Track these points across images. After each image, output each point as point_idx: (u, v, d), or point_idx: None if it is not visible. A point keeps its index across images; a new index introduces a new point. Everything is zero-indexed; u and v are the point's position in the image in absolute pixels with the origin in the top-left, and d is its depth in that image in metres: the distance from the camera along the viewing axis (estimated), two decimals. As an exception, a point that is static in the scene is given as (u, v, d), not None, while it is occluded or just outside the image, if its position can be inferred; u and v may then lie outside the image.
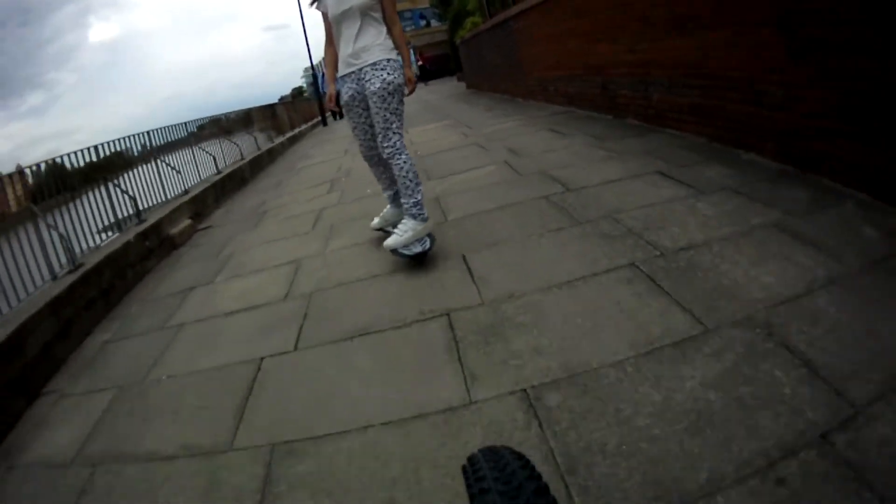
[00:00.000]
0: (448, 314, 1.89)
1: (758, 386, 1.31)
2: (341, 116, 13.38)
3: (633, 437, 1.21)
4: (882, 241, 1.84)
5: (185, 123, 5.88)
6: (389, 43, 2.38)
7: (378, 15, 2.37)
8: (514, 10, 7.35)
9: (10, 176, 3.53)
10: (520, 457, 0.50)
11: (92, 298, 3.10)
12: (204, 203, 5.06)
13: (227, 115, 7.54)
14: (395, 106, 2.33)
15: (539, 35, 6.57)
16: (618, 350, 1.49)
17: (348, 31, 2.34)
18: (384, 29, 2.38)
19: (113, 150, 4.38)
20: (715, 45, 3.25)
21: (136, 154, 4.83)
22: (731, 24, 3.06)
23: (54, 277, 3.14)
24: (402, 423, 1.41)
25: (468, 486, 0.49)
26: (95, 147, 4.16)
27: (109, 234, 3.87)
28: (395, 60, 2.36)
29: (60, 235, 3.31)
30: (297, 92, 47.39)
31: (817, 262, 1.77)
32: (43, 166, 3.65)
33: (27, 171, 3.60)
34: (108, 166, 4.23)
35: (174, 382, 2.02)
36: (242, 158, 6.91)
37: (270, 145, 8.53)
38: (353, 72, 2.38)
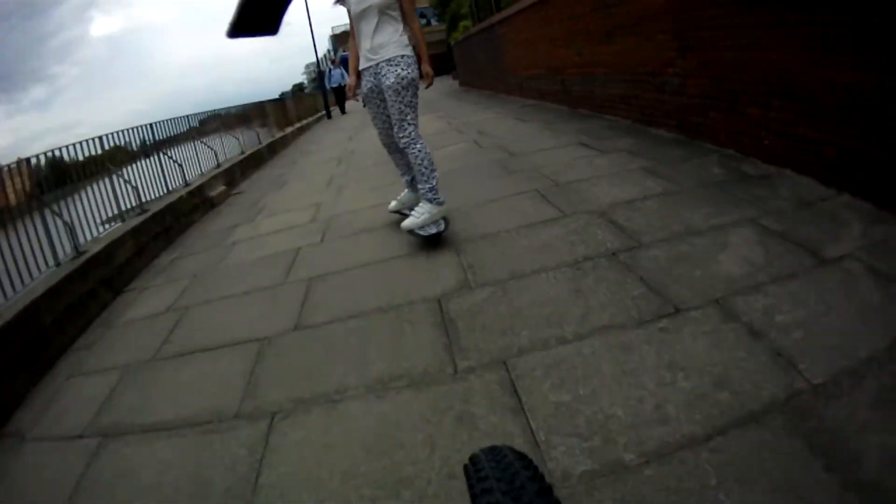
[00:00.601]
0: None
1: (583, 236, 2.32)
2: (344, 112, 14.50)
3: (508, 256, 2.26)
4: (722, 174, 2.75)
5: (215, 110, 6.96)
6: (405, 39, 2.49)
7: (395, 13, 2.49)
8: (497, 17, 8.42)
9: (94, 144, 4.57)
10: (522, 457, 0.50)
11: (158, 232, 4.15)
12: (233, 175, 6.12)
13: (245, 107, 8.60)
14: (409, 99, 2.47)
15: (517, 40, 7.64)
16: (511, 225, 2.55)
17: (367, 28, 2.48)
18: (401, 26, 2.49)
19: (165, 129, 5.44)
20: (632, 48, 4.29)
21: (177, 133, 5.88)
22: (642, 32, 4.10)
23: (123, 219, 4.18)
24: (385, 260, 2.50)
25: (470, 486, 0.49)
26: (151, 125, 5.22)
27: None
28: (409, 56, 2.48)
29: (132, 185, 4.37)
30: (298, 88, 47.32)
31: (660, 186, 2.76)
32: (116, 136, 4.68)
33: (104, 138, 4.64)
34: (161, 141, 5.29)
35: (237, 267, 3.07)
36: (260, 143, 7.98)
37: (283, 133, 9.63)
38: (370, 66, 2.53)
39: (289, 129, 10.33)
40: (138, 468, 1.53)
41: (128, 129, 4.86)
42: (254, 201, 4.90)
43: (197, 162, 5.82)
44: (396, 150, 2.77)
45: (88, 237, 3.66)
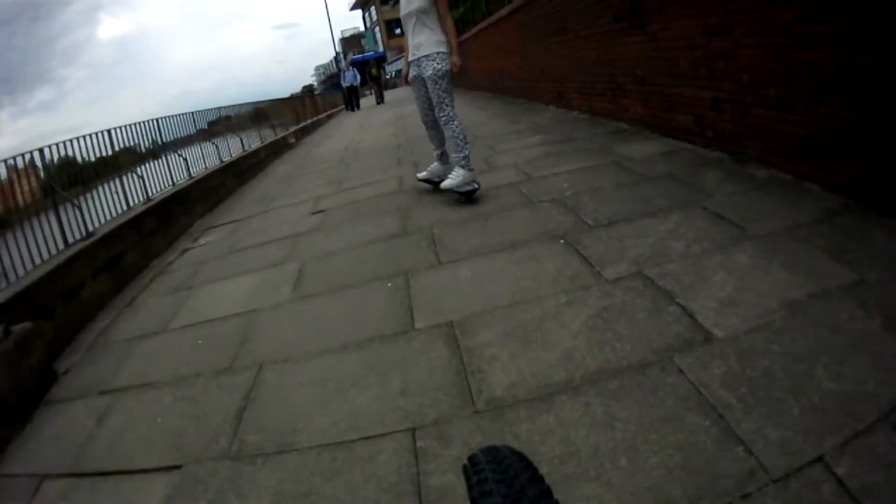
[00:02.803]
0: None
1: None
2: (358, 108, 18.08)
3: (414, 128, 6.42)
4: (520, 111, 6.84)
5: (281, 98, 11.19)
6: (440, 38, 3.01)
7: (431, 16, 3.02)
8: (463, 36, 12.61)
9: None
10: (522, 458, 0.50)
11: (271, 151, 8.32)
12: (297, 135, 10.36)
13: (294, 97, 12.82)
14: (445, 86, 3.00)
15: (474, 54, 11.79)
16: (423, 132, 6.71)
17: (409, 29, 3.08)
18: (437, 27, 3.02)
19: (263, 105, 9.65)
20: (510, 61, 8.44)
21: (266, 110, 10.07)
22: (513, 53, 8.23)
23: (248, 147, 8.38)
24: (383, 145, 6.69)
25: (469, 488, 0.49)
26: (255, 103, 9.41)
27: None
28: (443, 52, 3.00)
29: (258, 133, 8.57)
30: (308, 90, 46.67)
31: (488, 116, 6.88)
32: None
33: (250, 104, 8.83)
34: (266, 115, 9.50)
35: (320, 155, 7.24)
36: (307, 120, 12.23)
37: (318, 117, 13.89)
38: (414, 60, 3.10)
39: (321, 115, 14.60)
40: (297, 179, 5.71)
41: (246, 103, 9.07)
42: (316, 142, 9.12)
43: (276, 127, 10.01)
44: (433, 127, 3.35)
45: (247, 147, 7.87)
